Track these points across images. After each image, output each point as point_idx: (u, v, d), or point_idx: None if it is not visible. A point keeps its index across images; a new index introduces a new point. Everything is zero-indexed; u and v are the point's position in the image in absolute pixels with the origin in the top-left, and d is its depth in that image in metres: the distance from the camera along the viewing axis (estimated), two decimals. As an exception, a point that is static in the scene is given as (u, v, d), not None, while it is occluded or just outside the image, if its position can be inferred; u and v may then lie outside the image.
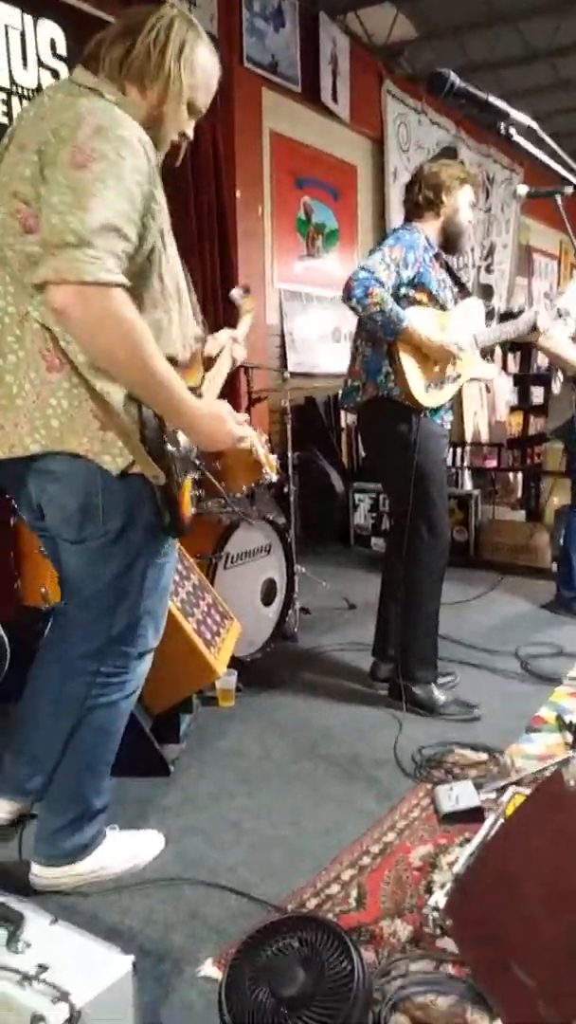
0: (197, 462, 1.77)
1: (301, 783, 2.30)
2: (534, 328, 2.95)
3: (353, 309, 2.53)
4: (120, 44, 1.51)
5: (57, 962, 1.32)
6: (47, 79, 3.60)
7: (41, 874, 1.78)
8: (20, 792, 1.97)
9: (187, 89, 1.53)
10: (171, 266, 1.56)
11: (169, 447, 1.57)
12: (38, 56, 3.57)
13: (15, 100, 3.48)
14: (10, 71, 3.46)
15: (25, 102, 3.52)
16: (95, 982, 1.30)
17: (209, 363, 1.92)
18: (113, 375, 1.48)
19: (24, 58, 3.51)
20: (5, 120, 3.44)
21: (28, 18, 3.52)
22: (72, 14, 3.68)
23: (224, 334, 2.04)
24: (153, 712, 2.36)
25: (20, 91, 3.50)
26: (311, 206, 5.54)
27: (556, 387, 3.76)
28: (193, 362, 1.70)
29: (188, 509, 1.70)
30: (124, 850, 1.88)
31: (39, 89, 3.58)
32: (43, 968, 1.31)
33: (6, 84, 3.44)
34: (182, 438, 1.64)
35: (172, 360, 1.53)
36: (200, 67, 1.54)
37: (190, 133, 1.62)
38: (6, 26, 3.43)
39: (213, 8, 4.41)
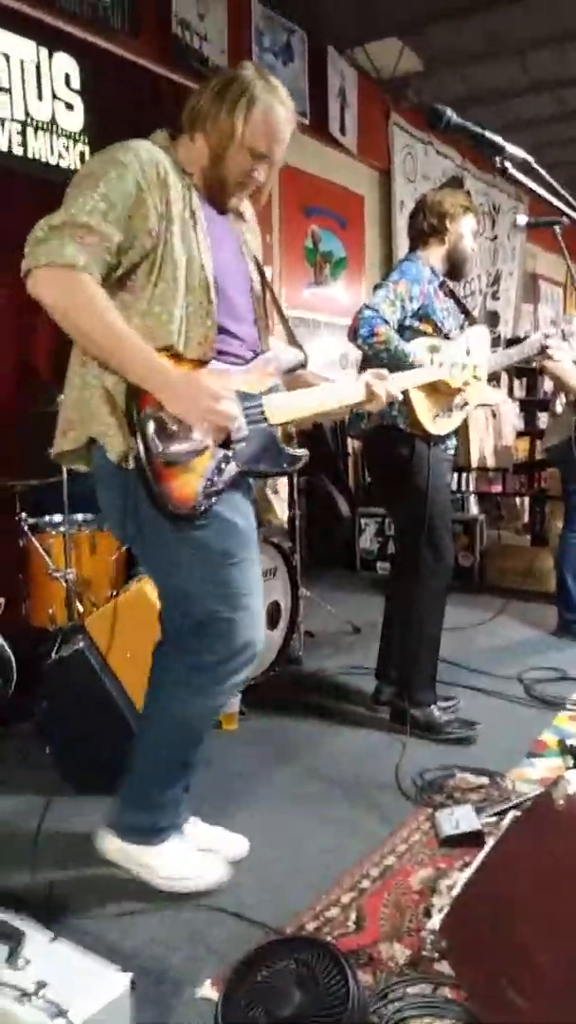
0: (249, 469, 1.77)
1: (303, 806, 2.31)
2: (542, 350, 3.00)
3: (360, 348, 2.59)
4: (193, 99, 1.73)
5: (56, 979, 1.34)
6: (61, 111, 3.70)
7: (103, 840, 1.90)
8: None
9: (239, 134, 1.67)
10: (181, 269, 1.66)
11: (152, 427, 1.61)
12: (52, 89, 3.67)
13: (30, 131, 3.57)
14: (25, 103, 3.55)
15: (40, 133, 3.61)
16: (93, 999, 1.31)
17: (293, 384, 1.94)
18: (84, 348, 1.64)
19: (39, 91, 3.61)
20: (20, 151, 3.53)
21: (44, 52, 3.62)
22: (87, 48, 3.79)
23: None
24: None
25: (35, 123, 3.59)
26: (319, 234, 5.62)
27: (559, 408, 3.79)
28: (260, 371, 1.78)
29: (187, 490, 1.65)
30: (179, 867, 1.87)
31: (53, 121, 3.67)
32: (42, 985, 1.32)
33: (21, 116, 3.54)
34: (183, 429, 1.64)
35: (167, 349, 1.64)
36: (259, 115, 1.67)
37: (260, 178, 1.75)
38: (22, 60, 3.53)
39: (224, 43, 4.52)
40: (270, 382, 1.80)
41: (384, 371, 2.01)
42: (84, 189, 1.58)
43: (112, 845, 1.89)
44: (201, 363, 1.68)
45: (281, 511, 1.97)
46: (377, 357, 2.54)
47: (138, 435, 1.60)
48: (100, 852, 1.90)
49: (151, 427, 1.61)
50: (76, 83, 3.77)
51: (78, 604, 3.01)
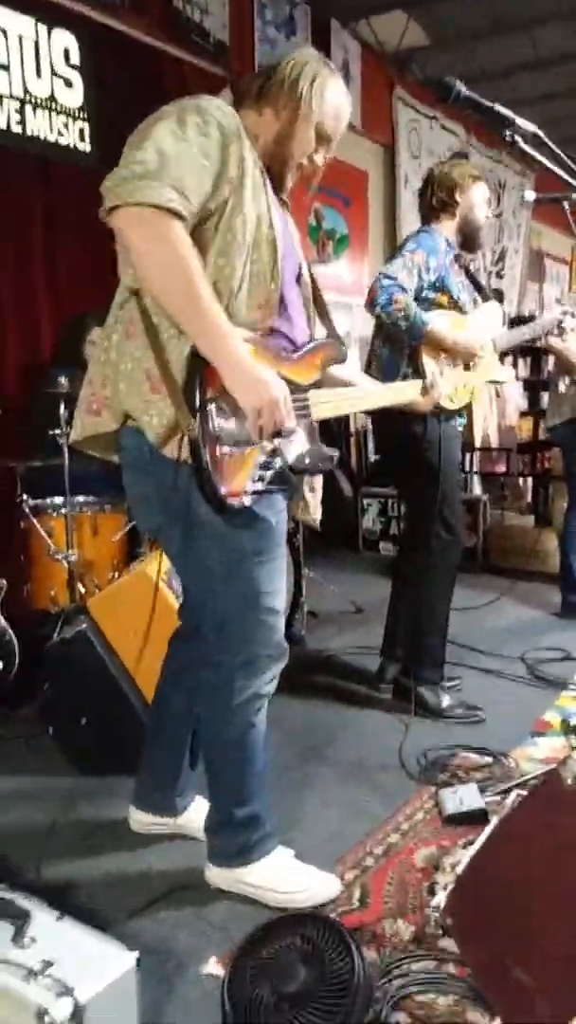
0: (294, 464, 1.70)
1: (306, 785, 2.32)
2: (560, 329, 2.98)
3: (378, 317, 2.55)
4: (260, 78, 1.69)
5: (62, 958, 1.34)
6: (60, 88, 3.65)
7: (209, 872, 1.84)
8: None
9: (316, 113, 1.65)
10: (251, 223, 1.59)
11: (214, 407, 1.53)
12: (52, 66, 3.62)
13: (28, 108, 3.53)
14: (24, 80, 3.50)
15: (39, 111, 3.57)
16: (99, 978, 1.32)
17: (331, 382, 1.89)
18: (161, 302, 1.52)
19: (38, 68, 3.56)
20: (19, 129, 3.49)
21: (43, 28, 3.57)
22: (86, 24, 3.73)
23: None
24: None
25: (33, 100, 3.55)
26: (322, 212, 5.57)
27: (562, 387, 3.76)
28: (308, 361, 1.73)
29: (239, 482, 1.57)
30: (288, 880, 1.80)
31: (52, 98, 3.62)
32: (48, 963, 1.33)
33: (20, 93, 3.49)
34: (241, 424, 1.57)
35: (228, 313, 1.54)
36: (330, 98, 1.67)
37: (319, 160, 1.74)
38: (20, 36, 3.48)
39: (225, 17, 4.45)
40: (316, 375, 1.74)
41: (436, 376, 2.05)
42: (172, 129, 1.50)
43: (217, 876, 1.82)
44: (257, 330, 1.61)
45: (316, 509, 1.93)
46: (396, 325, 2.52)
47: (198, 417, 1.50)
48: (212, 884, 1.82)
49: (213, 408, 1.53)
50: (75, 59, 3.72)
51: (80, 586, 3.01)
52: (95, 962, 1.35)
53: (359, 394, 1.94)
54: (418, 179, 6.54)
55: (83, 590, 3.01)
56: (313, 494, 1.94)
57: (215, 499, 1.54)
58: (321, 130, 1.69)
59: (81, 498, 3.14)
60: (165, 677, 1.99)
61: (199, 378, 1.52)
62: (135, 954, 1.38)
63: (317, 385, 1.75)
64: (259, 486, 1.60)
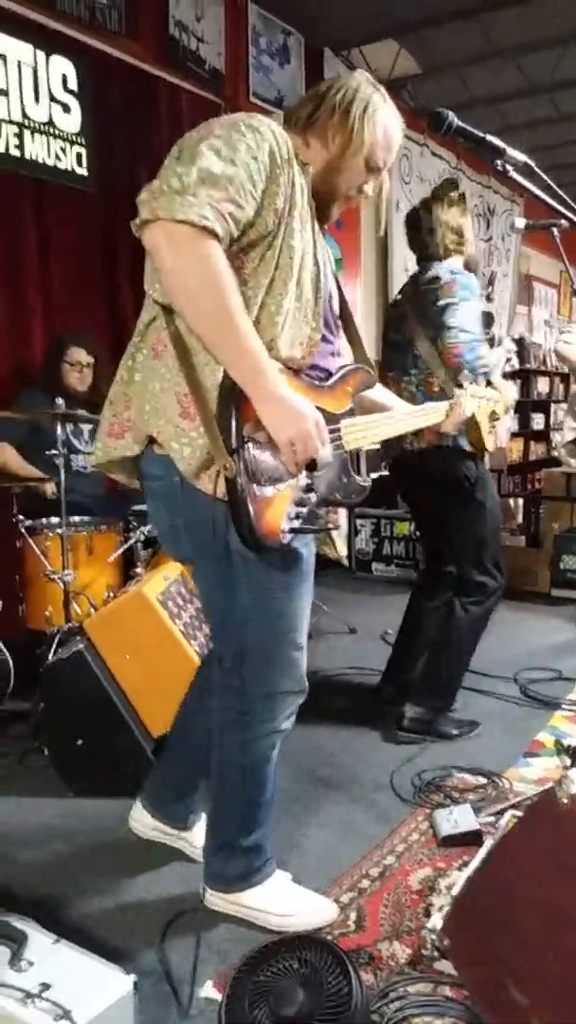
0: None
1: (301, 806, 2.31)
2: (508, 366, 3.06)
3: (465, 370, 2.54)
4: (308, 105, 1.62)
5: (59, 980, 1.34)
6: (58, 113, 3.70)
7: (206, 896, 1.81)
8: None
9: (367, 145, 1.60)
10: (297, 260, 1.53)
11: (253, 446, 1.48)
12: (50, 91, 3.66)
13: (27, 134, 3.57)
14: (23, 105, 3.55)
15: (37, 136, 3.61)
16: (97, 1001, 1.32)
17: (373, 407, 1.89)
18: (193, 326, 1.46)
19: (36, 93, 3.61)
20: (17, 152, 3.53)
21: (41, 55, 3.61)
22: (84, 50, 3.78)
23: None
24: (155, 734, 2.38)
25: (32, 125, 3.59)
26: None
27: None
28: (340, 389, 1.69)
29: (275, 521, 1.52)
30: (286, 903, 1.79)
31: (50, 123, 3.67)
32: (46, 986, 1.33)
33: (19, 118, 3.53)
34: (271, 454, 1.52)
35: (268, 348, 1.49)
36: (382, 126, 1.62)
37: (369, 191, 1.69)
38: (19, 62, 3.53)
39: (220, 45, 4.52)
40: (349, 403, 1.70)
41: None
42: (221, 146, 1.42)
43: (216, 899, 1.80)
44: (295, 370, 1.57)
45: (341, 547, 1.90)
46: (478, 378, 2.51)
47: (237, 455, 1.45)
48: (210, 907, 1.80)
49: (250, 445, 1.47)
50: (73, 84, 3.77)
51: (76, 606, 3.01)
52: (92, 985, 1.35)
53: (391, 419, 1.89)
54: (408, 204, 6.62)
55: (79, 610, 3.01)
56: (336, 531, 1.91)
57: (252, 539, 1.49)
58: (372, 161, 1.63)
59: (76, 518, 3.14)
60: (192, 692, 1.98)
61: (236, 411, 1.45)
62: (132, 977, 1.38)
63: (351, 413, 1.71)
64: (296, 523, 1.54)
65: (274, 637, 1.66)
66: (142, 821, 2.04)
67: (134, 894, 1.90)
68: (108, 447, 1.63)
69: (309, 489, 1.58)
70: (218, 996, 1.52)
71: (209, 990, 1.58)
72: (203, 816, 2.00)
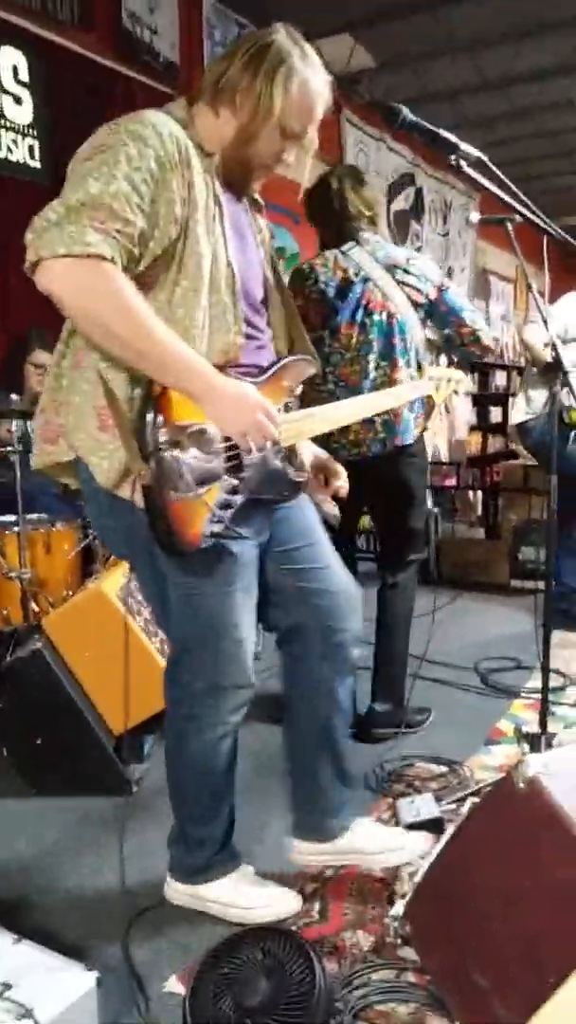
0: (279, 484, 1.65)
1: (264, 799, 2.32)
2: None
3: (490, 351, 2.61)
4: (219, 66, 1.51)
5: (21, 980, 1.33)
6: (9, 105, 3.64)
7: (167, 887, 1.82)
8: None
9: (277, 109, 1.47)
10: (206, 266, 1.49)
11: (168, 453, 1.43)
12: (1, 83, 3.61)
13: (-23, 125, 3.51)
14: (-28, 97, 3.49)
15: (-13, 127, 3.56)
16: (59, 999, 1.31)
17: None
18: (117, 355, 1.42)
19: (-14, 84, 3.55)
20: (-33, 145, 3.47)
21: (-10, 45, 3.56)
22: (35, 41, 3.73)
23: None
24: (115, 731, 2.37)
25: (-18, 116, 3.54)
26: (271, 231, 5.62)
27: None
28: (274, 384, 1.63)
29: (195, 526, 1.49)
30: (248, 895, 1.78)
31: (1, 115, 3.61)
32: (7, 986, 1.32)
33: (-32, 109, 3.48)
34: (203, 455, 1.49)
35: None
36: (296, 90, 1.48)
37: (289, 159, 1.57)
38: (-32, 52, 3.47)
39: (175, 37, 4.49)
40: (284, 397, 1.66)
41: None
42: (99, 165, 1.36)
43: (176, 890, 1.81)
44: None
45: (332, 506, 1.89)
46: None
47: (153, 462, 1.41)
48: (170, 900, 1.81)
49: (166, 451, 1.43)
50: (24, 76, 3.72)
51: (34, 604, 2.97)
52: (54, 983, 1.34)
53: (334, 410, 1.83)
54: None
55: (37, 608, 2.98)
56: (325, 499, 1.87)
57: (169, 547, 1.49)
58: (287, 128, 1.50)
59: (34, 516, 3.11)
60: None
61: (152, 419, 1.42)
62: (95, 974, 1.37)
63: (287, 408, 1.67)
64: (217, 527, 1.51)
65: (212, 633, 1.64)
66: (299, 850, 1.97)
67: (97, 892, 1.89)
68: (45, 452, 1.62)
69: (235, 491, 1.54)
70: (182, 990, 1.52)
71: (173, 984, 1.58)
72: (352, 819, 1.97)
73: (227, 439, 1.51)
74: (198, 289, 1.48)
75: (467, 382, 2.23)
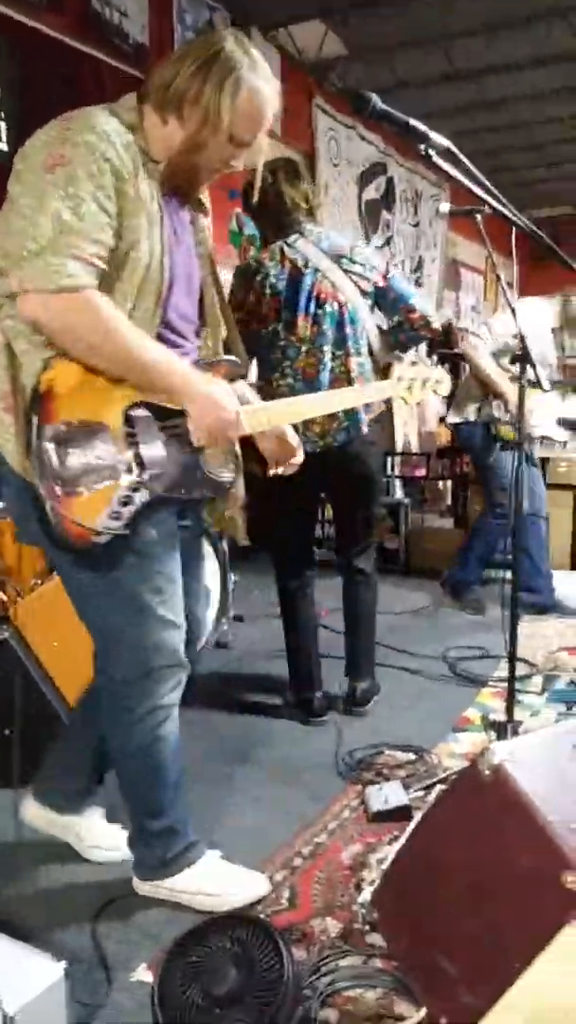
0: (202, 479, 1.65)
1: (233, 788, 2.32)
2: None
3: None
4: (167, 72, 1.50)
5: (-12, 971, 1.32)
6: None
7: (136, 885, 1.82)
8: None
9: (225, 119, 1.48)
10: (140, 270, 1.51)
11: (52, 448, 1.44)
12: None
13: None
14: None
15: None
16: (27, 989, 1.30)
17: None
18: (95, 366, 1.47)
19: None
20: None
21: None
22: (4, 22, 3.66)
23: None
24: (85, 721, 2.36)
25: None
26: (243, 218, 5.59)
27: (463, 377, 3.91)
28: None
29: (86, 522, 1.48)
30: (216, 882, 1.79)
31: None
32: (-27, 978, 1.30)
33: None
34: (95, 452, 1.49)
35: None
36: (244, 97, 1.48)
37: (238, 165, 1.59)
38: None
39: (145, 20, 4.44)
40: None
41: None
42: (64, 185, 1.39)
43: (144, 888, 1.81)
44: None
45: (240, 529, 1.88)
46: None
47: (33, 456, 1.44)
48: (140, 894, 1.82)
49: (51, 448, 1.43)
50: (-9, 58, 3.65)
51: (1, 594, 2.94)
52: (22, 973, 1.33)
53: (276, 407, 1.83)
54: (338, 187, 6.66)
55: (4, 598, 2.94)
56: (235, 512, 1.90)
57: (58, 543, 1.50)
58: (236, 137, 1.52)
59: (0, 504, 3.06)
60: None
61: (36, 414, 1.44)
62: (63, 964, 1.37)
63: None
64: (115, 523, 1.50)
65: (134, 617, 1.63)
66: (32, 813, 1.99)
67: (64, 881, 1.89)
68: None
69: (137, 487, 1.52)
70: (151, 979, 1.52)
71: (142, 973, 1.58)
72: (89, 805, 1.98)
73: (131, 435, 1.51)
74: (129, 292, 1.51)
75: (447, 382, 2.18)
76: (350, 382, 2.53)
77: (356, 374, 2.55)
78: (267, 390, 2.52)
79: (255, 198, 2.43)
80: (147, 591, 1.62)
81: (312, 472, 2.53)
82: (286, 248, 2.54)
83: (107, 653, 1.71)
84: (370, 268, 2.57)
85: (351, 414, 2.54)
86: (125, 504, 1.51)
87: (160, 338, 1.58)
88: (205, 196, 1.76)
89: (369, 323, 2.60)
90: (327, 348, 2.52)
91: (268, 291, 2.52)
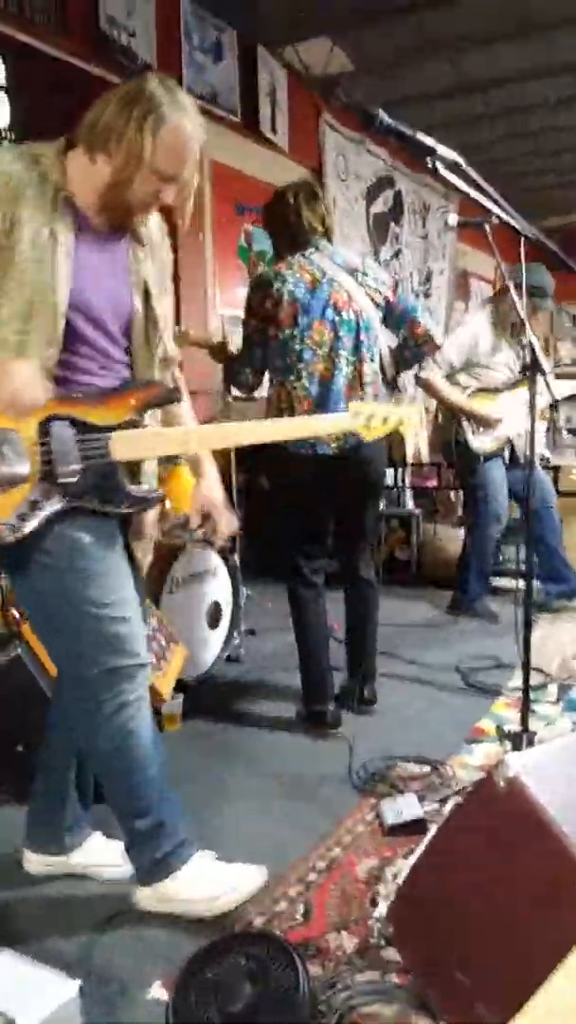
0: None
1: (247, 803, 2.32)
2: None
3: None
4: (94, 113, 1.58)
5: (3, 988, 1.32)
6: (-14, 107, 3.63)
7: (137, 894, 1.84)
8: None
9: (147, 156, 1.55)
10: (24, 293, 1.57)
11: None
12: (-24, 85, 3.59)
13: (-47, 127, 3.50)
14: (-52, 99, 3.47)
15: (-37, 129, 3.54)
16: (41, 1006, 1.30)
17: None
18: None
19: (-38, 86, 3.54)
20: (-57, 147, 3.45)
21: (-34, 47, 3.54)
22: (12, 44, 3.71)
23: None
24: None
25: (-42, 118, 3.52)
26: (252, 233, 5.62)
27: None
28: (117, 403, 1.68)
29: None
30: (211, 884, 1.82)
31: (-23, 117, 3.60)
32: (-12, 995, 1.30)
33: (-56, 112, 3.46)
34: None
35: None
36: (166, 134, 1.55)
37: (168, 198, 1.64)
38: (-57, 55, 3.45)
39: (152, 40, 4.48)
40: (130, 414, 1.69)
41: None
42: None
43: (144, 897, 1.82)
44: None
45: (144, 553, 1.91)
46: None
47: None
48: (140, 907, 1.82)
49: None
50: (1, 79, 3.70)
51: (13, 610, 2.95)
52: (37, 991, 1.33)
53: (165, 436, 1.83)
54: (346, 202, 6.69)
55: (17, 615, 2.95)
56: (138, 539, 1.91)
57: None
58: (162, 173, 1.59)
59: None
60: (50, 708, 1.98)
61: None
62: (77, 982, 1.37)
63: (131, 425, 1.69)
64: (22, 528, 1.58)
65: (87, 618, 1.67)
66: (30, 860, 2.00)
67: (77, 898, 1.88)
68: None
69: (48, 495, 1.60)
70: (165, 996, 1.52)
71: (156, 990, 1.57)
72: (89, 835, 2.00)
73: (43, 443, 1.59)
74: (12, 313, 1.57)
75: (411, 421, 2.05)
76: (363, 387, 2.63)
77: (369, 380, 2.64)
78: (282, 393, 2.64)
79: (272, 216, 2.69)
80: (94, 588, 1.67)
81: (325, 475, 2.58)
82: (303, 260, 2.64)
83: (64, 657, 1.76)
84: (381, 283, 2.69)
85: None
86: (33, 507, 1.59)
87: (65, 365, 1.63)
88: (156, 226, 1.82)
89: (381, 335, 2.69)
90: (343, 353, 2.60)
91: (287, 297, 2.59)
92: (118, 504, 1.69)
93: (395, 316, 2.70)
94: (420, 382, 3.90)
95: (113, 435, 1.66)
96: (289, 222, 2.65)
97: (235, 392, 3.09)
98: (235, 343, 2.90)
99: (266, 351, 2.67)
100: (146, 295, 1.77)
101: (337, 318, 2.59)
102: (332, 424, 2.12)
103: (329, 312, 2.59)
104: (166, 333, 1.83)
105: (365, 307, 2.62)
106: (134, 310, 1.76)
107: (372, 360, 2.65)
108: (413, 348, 2.74)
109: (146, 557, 1.90)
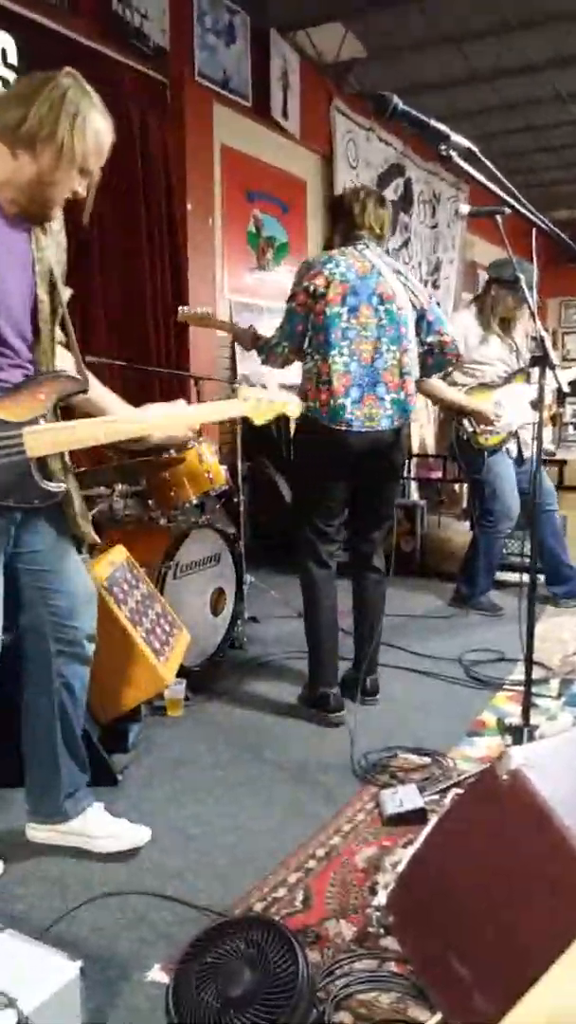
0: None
1: (248, 789, 2.33)
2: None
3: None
4: (15, 111, 1.61)
5: (3, 969, 1.33)
6: (-3, 88, 3.59)
7: (28, 829, 2.04)
8: None
9: (79, 156, 1.63)
10: None
11: None
12: (-12, 65, 3.56)
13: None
14: (-41, 79, 3.45)
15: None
16: (42, 988, 1.30)
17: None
18: None
19: (-27, 67, 3.51)
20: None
21: (-22, 27, 3.51)
22: (24, 24, 3.68)
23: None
24: (101, 721, 2.36)
25: (-31, 99, 3.49)
26: (261, 219, 5.59)
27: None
28: (28, 396, 1.69)
29: None
30: (109, 827, 2.01)
31: (-12, 97, 3.57)
32: (-10, 976, 1.31)
33: (-46, 91, 3.43)
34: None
35: None
36: (92, 134, 1.64)
37: (81, 191, 1.72)
38: (-45, 35, 3.42)
39: (165, 23, 4.45)
40: (40, 409, 1.70)
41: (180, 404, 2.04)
42: None
43: (41, 833, 2.02)
44: None
45: (84, 525, 1.93)
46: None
47: None
48: (34, 841, 2.01)
49: None
50: (13, 59, 3.66)
51: None
52: (38, 972, 1.33)
53: (81, 427, 1.81)
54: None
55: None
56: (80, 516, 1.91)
57: None
58: (85, 169, 1.67)
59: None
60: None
61: None
62: (78, 963, 1.37)
63: (41, 420, 1.70)
64: None
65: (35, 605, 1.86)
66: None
67: (78, 881, 1.89)
68: None
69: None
70: (165, 980, 1.53)
71: (156, 973, 1.58)
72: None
73: None
74: None
75: (295, 406, 2.11)
76: (402, 376, 2.72)
77: (407, 371, 2.74)
78: (323, 368, 2.68)
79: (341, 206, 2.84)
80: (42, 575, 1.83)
81: (349, 454, 2.69)
82: (355, 251, 2.76)
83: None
84: (419, 290, 2.83)
85: (397, 404, 2.71)
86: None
87: None
88: (57, 218, 1.82)
89: (412, 333, 2.78)
90: (385, 340, 2.70)
91: (338, 277, 2.68)
92: (32, 500, 1.73)
93: (426, 323, 2.82)
94: (419, 386, 3.91)
95: (26, 431, 1.67)
96: (353, 215, 2.79)
97: (240, 375, 3.16)
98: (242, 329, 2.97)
99: (306, 327, 2.73)
100: (51, 285, 1.77)
101: (382, 307, 2.69)
102: (227, 409, 2.16)
103: (375, 299, 2.69)
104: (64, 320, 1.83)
105: (405, 305, 2.73)
106: (40, 300, 1.75)
107: (409, 352, 2.74)
108: (438, 356, 2.88)
109: (87, 527, 1.93)
